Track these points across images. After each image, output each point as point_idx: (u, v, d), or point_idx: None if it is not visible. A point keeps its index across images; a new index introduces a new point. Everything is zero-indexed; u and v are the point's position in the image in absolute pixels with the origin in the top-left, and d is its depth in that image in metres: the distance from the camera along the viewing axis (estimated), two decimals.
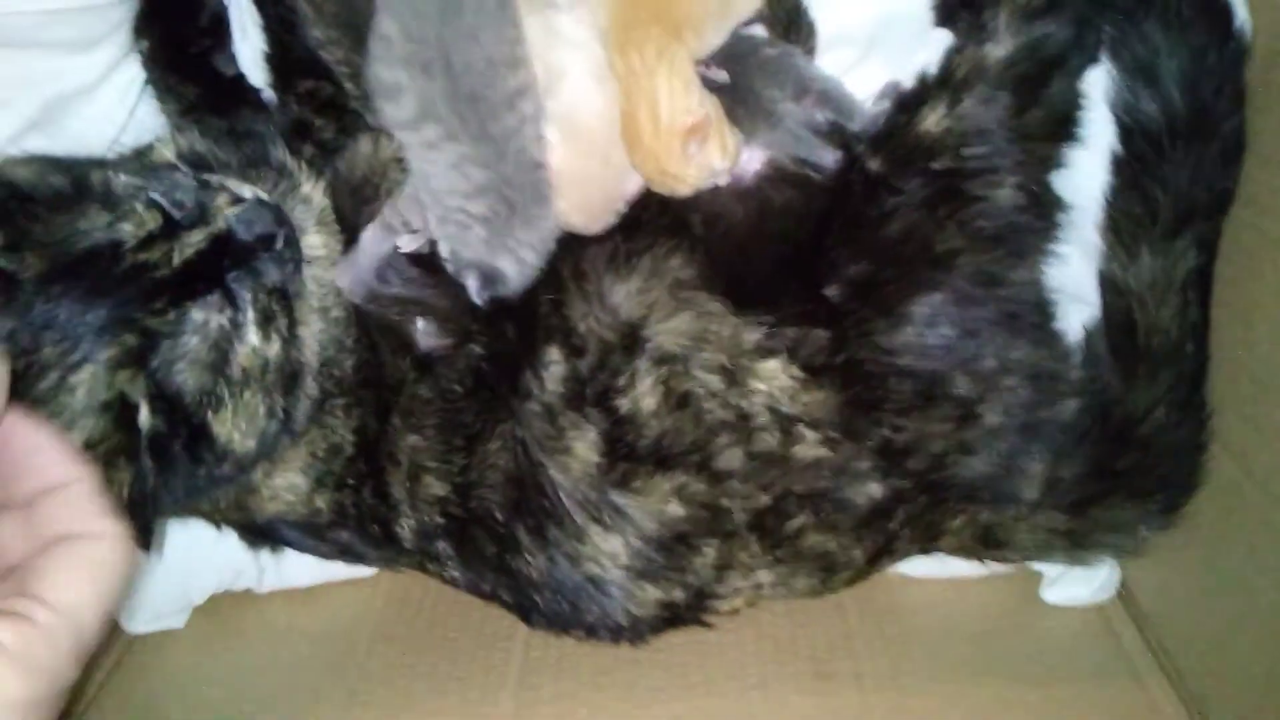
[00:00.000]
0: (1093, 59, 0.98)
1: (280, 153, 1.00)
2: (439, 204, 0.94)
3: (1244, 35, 0.95)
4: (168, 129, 1.05)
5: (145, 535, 0.85)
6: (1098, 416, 1.01)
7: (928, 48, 1.01)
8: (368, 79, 0.92)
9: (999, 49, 0.94)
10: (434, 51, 0.88)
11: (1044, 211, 0.97)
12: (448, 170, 0.91)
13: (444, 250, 0.95)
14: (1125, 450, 1.02)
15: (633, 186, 0.97)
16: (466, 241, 0.94)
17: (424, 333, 1.02)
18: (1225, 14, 0.94)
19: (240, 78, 1.07)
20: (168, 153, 0.97)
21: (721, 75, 0.96)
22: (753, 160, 0.99)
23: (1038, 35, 0.94)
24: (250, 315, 0.88)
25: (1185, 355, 1.01)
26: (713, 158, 0.93)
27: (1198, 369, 1.02)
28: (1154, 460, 1.03)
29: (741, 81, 0.98)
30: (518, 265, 0.95)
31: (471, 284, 0.94)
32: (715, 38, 0.96)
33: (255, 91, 1.07)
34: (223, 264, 0.86)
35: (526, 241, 0.94)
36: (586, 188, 0.96)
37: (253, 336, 0.88)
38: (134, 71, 1.06)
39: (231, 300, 0.87)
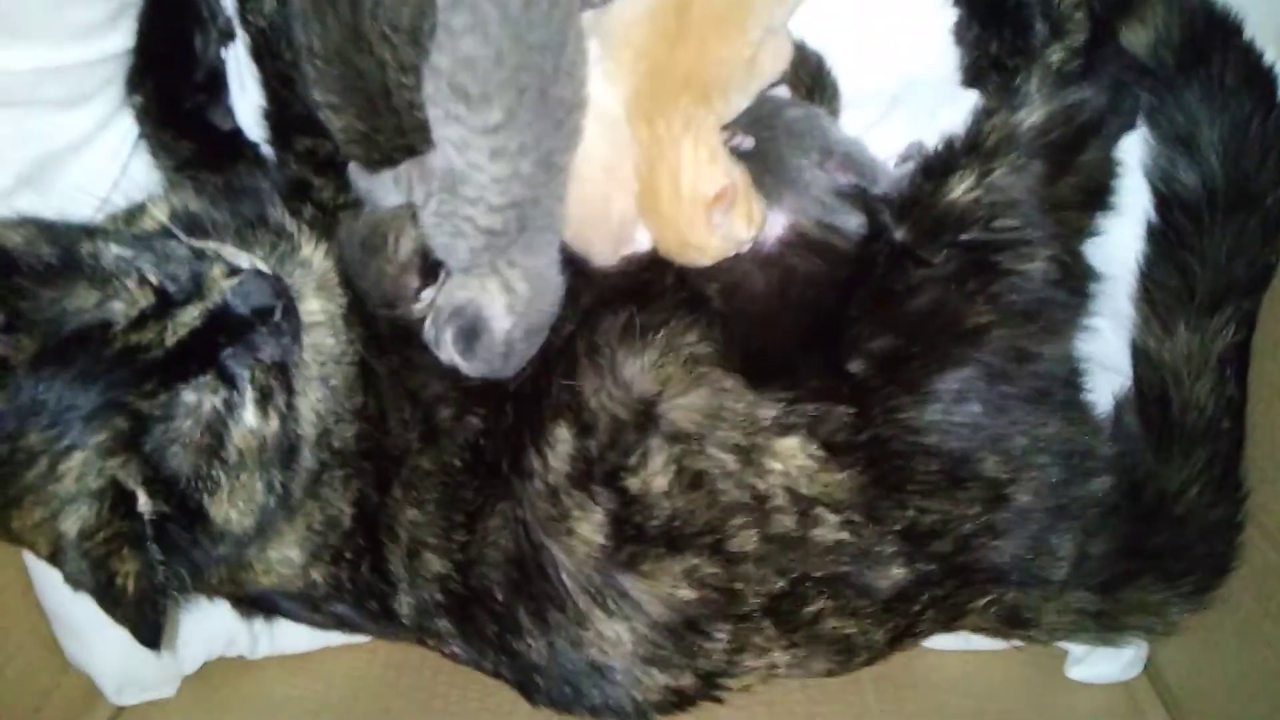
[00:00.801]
0: (1129, 126, 0.95)
1: (278, 213, 0.97)
2: (454, 209, 0.90)
3: None
4: (161, 186, 1.01)
5: (156, 632, 0.81)
6: (1129, 493, 0.97)
7: (952, 107, 0.99)
8: (439, 77, 0.87)
9: (1032, 115, 0.91)
10: (533, 77, 0.86)
11: (1077, 284, 0.94)
12: (493, 181, 0.88)
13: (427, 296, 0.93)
14: (1157, 529, 0.99)
15: (635, 240, 0.95)
16: (453, 252, 0.91)
17: (454, 337, 0.96)
18: (1269, 84, 0.91)
19: (237, 133, 1.04)
20: (160, 214, 0.93)
21: (748, 142, 0.94)
22: (775, 226, 0.97)
23: (1072, 101, 0.91)
24: (249, 395, 0.84)
25: (1221, 432, 0.97)
26: (738, 227, 0.91)
27: (1234, 447, 0.98)
28: (1187, 541, 0.99)
29: (766, 146, 0.95)
30: (506, 296, 0.91)
31: (447, 338, 0.91)
32: (742, 102, 0.93)
33: (253, 147, 1.04)
34: (217, 341, 0.82)
35: (521, 266, 0.91)
36: (585, 230, 0.94)
37: (250, 416, 0.84)
38: (126, 127, 1.03)
39: (226, 379, 0.83)
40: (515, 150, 0.87)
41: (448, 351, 0.93)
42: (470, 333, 0.91)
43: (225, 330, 0.82)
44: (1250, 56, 0.91)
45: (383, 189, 0.94)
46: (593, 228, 0.96)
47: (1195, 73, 0.91)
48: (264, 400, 0.85)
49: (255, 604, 1.06)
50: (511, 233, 0.90)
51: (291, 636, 1.20)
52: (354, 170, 0.96)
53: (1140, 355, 1.00)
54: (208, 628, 1.16)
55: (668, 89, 0.88)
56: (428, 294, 0.95)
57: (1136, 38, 0.91)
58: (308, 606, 1.04)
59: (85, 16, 0.94)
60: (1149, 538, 0.98)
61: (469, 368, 0.93)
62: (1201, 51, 0.90)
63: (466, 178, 0.88)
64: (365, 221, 0.97)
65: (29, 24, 0.93)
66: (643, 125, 0.88)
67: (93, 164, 1.01)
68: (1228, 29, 0.91)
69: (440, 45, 0.85)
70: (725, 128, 0.92)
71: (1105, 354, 1.02)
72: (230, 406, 0.82)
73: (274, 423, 0.85)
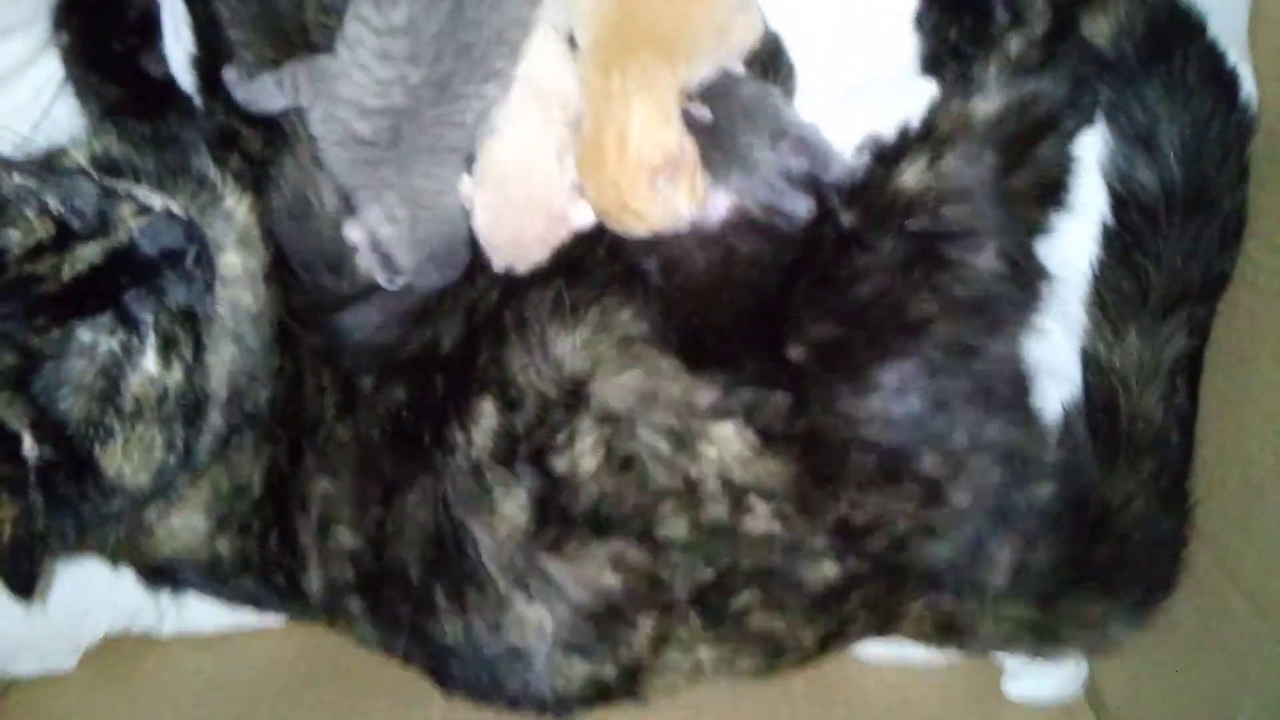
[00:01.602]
0: (1087, 121, 0.93)
1: (203, 162, 0.93)
2: (330, 110, 0.87)
3: (1250, 107, 0.90)
4: (85, 131, 0.97)
5: (29, 581, 0.78)
6: (1073, 503, 0.95)
7: (912, 98, 0.96)
8: None
9: (987, 104, 0.89)
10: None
11: (1026, 281, 0.91)
12: (373, 83, 0.85)
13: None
14: (1100, 541, 0.96)
15: (565, 218, 0.90)
16: (336, 161, 0.89)
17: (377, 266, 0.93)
18: (1232, 83, 0.89)
19: (169, 81, 1.00)
20: (80, 157, 0.89)
21: (706, 113, 0.90)
22: (719, 206, 0.93)
23: (1029, 92, 0.89)
24: (150, 340, 0.80)
25: (1169, 444, 0.95)
26: (681, 199, 0.88)
27: (1182, 460, 0.96)
28: (1131, 554, 0.96)
29: (718, 121, 0.92)
30: (387, 222, 0.88)
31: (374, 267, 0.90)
32: (706, 69, 0.90)
33: (185, 97, 1.00)
34: (120, 282, 0.78)
35: (396, 187, 0.88)
36: (498, 225, 0.90)
37: (150, 363, 0.80)
38: (52, 68, 0.99)
39: (127, 321, 0.79)
40: (404, 57, 0.83)
41: (383, 278, 0.91)
42: (384, 257, 0.89)
43: (130, 271, 0.78)
44: (1213, 55, 0.89)
45: (265, 95, 0.90)
46: (517, 212, 0.92)
47: (1157, 68, 0.89)
48: (167, 348, 0.81)
49: (160, 574, 1.02)
50: (382, 144, 0.86)
51: (201, 614, 1.15)
52: (231, 78, 0.91)
53: (1090, 361, 0.97)
54: (112, 598, 1.12)
55: (631, 41, 0.84)
56: (351, 229, 0.91)
57: (1098, 28, 0.89)
58: (214, 579, 1.01)
59: None
60: (1091, 549, 0.96)
61: (410, 281, 0.91)
62: (1164, 46, 0.88)
63: (347, 76, 0.85)
64: (284, 185, 0.94)
65: None
66: (597, 75, 0.85)
67: (12, 102, 0.97)
68: (1191, 26, 0.89)
69: None
70: (684, 95, 0.89)
71: (1055, 360, 0.99)
72: (129, 351, 0.78)
73: (177, 373, 0.81)
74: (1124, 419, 0.95)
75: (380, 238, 0.89)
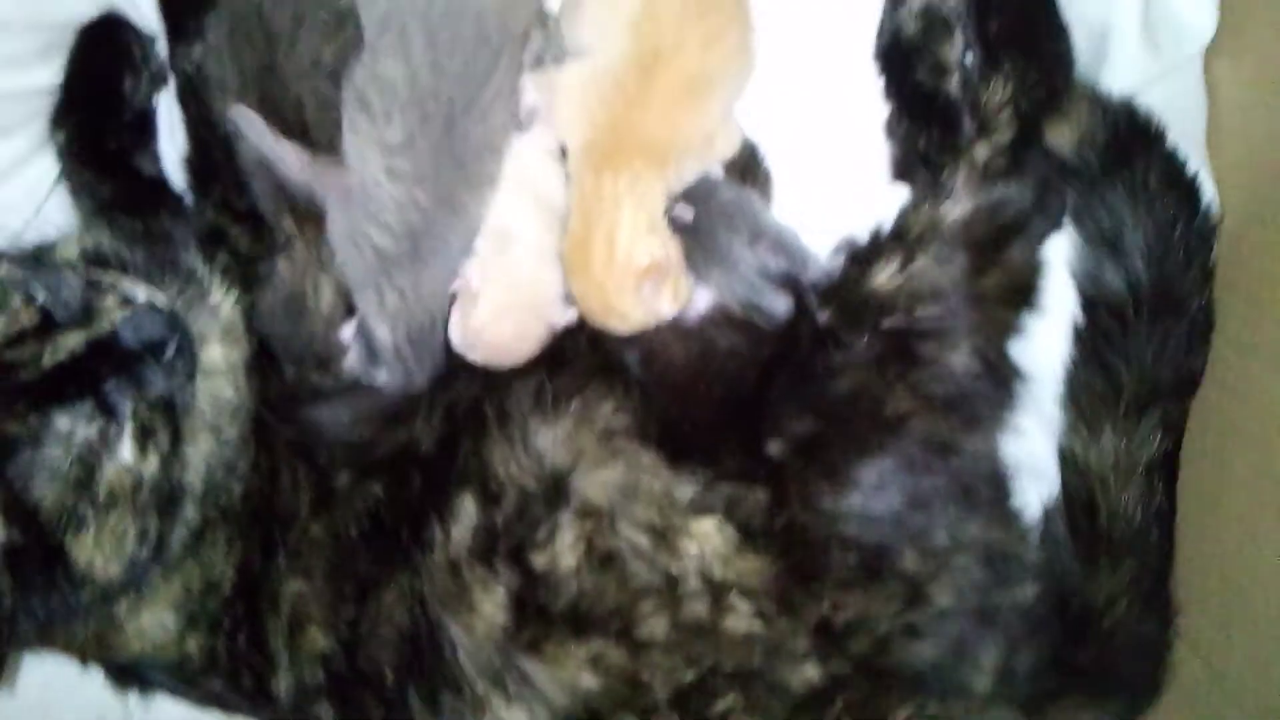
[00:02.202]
0: (1055, 225, 0.95)
1: (191, 258, 0.94)
2: (350, 220, 0.89)
3: (1212, 212, 0.92)
4: (76, 227, 0.99)
5: None
6: (1056, 604, 0.94)
7: (884, 201, 0.99)
8: (351, 89, 0.88)
9: (957, 208, 0.92)
10: (441, 106, 0.86)
11: (1000, 380, 0.93)
12: (389, 200, 0.87)
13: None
14: (1085, 644, 0.94)
15: (557, 321, 0.92)
16: (349, 260, 0.90)
17: (359, 358, 0.94)
18: (1193, 188, 0.92)
19: (161, 179, 1.03)
20: (69, 251, 0.90)
21: (688, 214, 0.93)
22: (699, 302, 0.95)
23: (997, 197, 0.92)
24: (127, 428, 0.80)
25: (1149, 544, 0.94)
26: (664, 302, 0.89)
27: (1163, 560, 0.95)
28: (1116, 657, 0.95)
29: (699, 222, 0.94)
30: (379, 311, 0.89)
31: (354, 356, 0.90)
32: (690, 175, 0.93)
33: (176, 195, 1.02)
34: (100, 371, 0.79)
35: (399, 288, 0.89)
36: (500, 324, 0.91)
37: (126, 452, 0.80)
38: (46, 166, 1.01)
39: (106, 410, 0.79)
40: (411, 176, 0.86)
41: (361, 370, 0.91)
42: (366, 344, 0.90)
43: (111, 360, 0.79)
44: (1173, 162, 0.92)
45: (279, 160, 0.91)
46: (523, 314, 0.93)
47: (1119, 174, 0.91)
48: (144, 437, 0.80)
49: (129, 674, 0.99)
50: (404, 261, 0.88)
51: (169, 716, 1.10)
52: (247, 121, 0.92)
53: (1067, 460, 0.97)
54: (78, 699, 1.07)
55: (623, 145, 0.87)
56: (346, 329, 0.92)
57: (1062, 137, 0.92)
58: (182, 680, 0.98)
59: (12, 48, 0.94)
60: (1076, 652, 0.94)
61: (380, 379, 0.91)
62: (1125, 154, 0.91)
63: (364, 191, 0.87)
64: (278, 284, 0.95)
65: None
66: (589, 175, 0.87)
67: (6, 198, 0.99)
68: (1150, 135, 0.92)
69: (361, 61, 0.85)
70: (669, 198, 0.92)
71: (1032, 458, 0.99)
72: (106, 439, 0.78)
73: (153, 463, 0.81)
74: (1103, 518, 0.95)
75: (377, 338, 0.90)
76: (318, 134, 0.89)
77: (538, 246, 0.93)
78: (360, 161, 0.87)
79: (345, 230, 0.89)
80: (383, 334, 0.89)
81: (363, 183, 0.88)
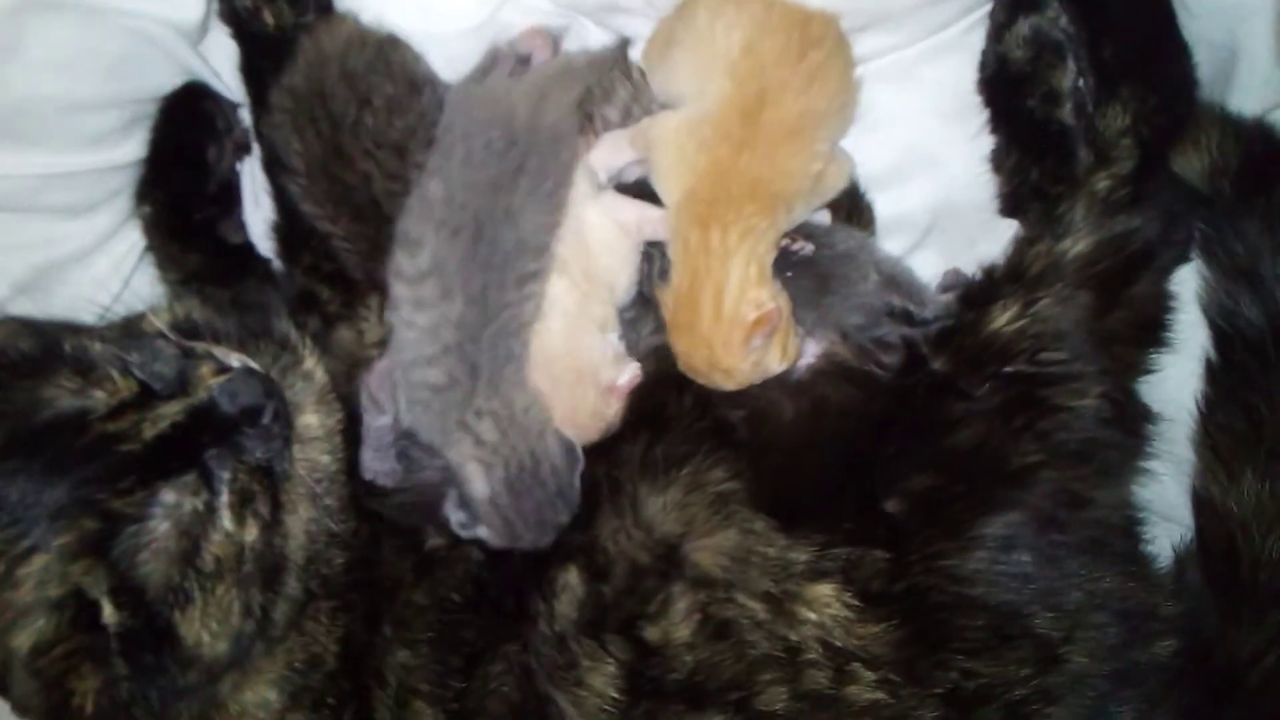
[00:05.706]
0: (1183, 258, 0.91)
1: (283, 324, 0.93)
2: (406, 379, 0.87)
3: None
4: (164, 299, 0.98)
5: None
6: (1195, 659, 0.88)
7: (988, 238, 0.96)
8: (397, 230, 0.88)
9: (1078, 245, 0.88)
10: (469, 218, 0.85)
11: (1131, 424, 0.89)
12: (422, 334, 0.85)
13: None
14: (1229, 702, 0.89)
15: (619, 382, 0.89)
16: (424, 421, 0.87)
17: (454, 508, 0.90)
18: None
19: (248, 247, 1.02)
20: (160, 322, 0.89)
21: (808, 247, 0.89)
22: (808, 354, 0.91)
23: (1120, 231, 0.88)
24: (225, 496, 0.78)
25: None
26: (772, 357, 0.86)
27: None
28: (1263, 715, 0.90)
29: (817, 257, 0.91)
30: (474, 450, 0.85)
31: (452, 510, 0.87)
32: (801, 216, 0.89)
33: (264, 262, 1.02)
34: (200, 440, 0.77)
35: (489, 411, 0.85)
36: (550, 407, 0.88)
37: (226, 520, 0.78)
38: (133, 239, 1.01)
39: (208, 481, 0.78)
40: (438, 297, 0.84)
41: (460, 527, 0.88)
42: (465, 509, 0.87)
43: (211, 429, 0.77)
44: None
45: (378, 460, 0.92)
46: (568, 390, 0.90)
47: (1255, 202, 0.87)
48: (244, 504, 0.79)
49: None
50: (464, 381, 0.85)
51: None
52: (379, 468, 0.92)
53: (1203, 505, 0.92)
54: None
55: (731, 194, 0.83)
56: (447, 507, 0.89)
57: (1190, 165, 0.88)
58: None
59: (98, 124, 0.94)
60: (1219, 711, 0.89)
61: (491, 539, 0.87)
62: (1261, 179, 0.87)
63: (400, 342, 0.86)
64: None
65: (39, 129, 0.92)
66: (695, 229, 0.83)
67: (94, 275, 0.99)
68: None
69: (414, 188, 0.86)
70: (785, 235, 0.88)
71: (1164, 502, 0.95)
72: (211, 510, 0.77)
73: (253, 531, 0.79)
74: (1245, 568, 0.90)
75: (473, 491, 0.86)
76: (388, 207, 0.87)
77: (572, 317, 0.89)
78: (394, 309, 0.86)
79: (406, 397, 0.87)
80: (479, 486, 0.86)
81: (397, 341, 0.87)
